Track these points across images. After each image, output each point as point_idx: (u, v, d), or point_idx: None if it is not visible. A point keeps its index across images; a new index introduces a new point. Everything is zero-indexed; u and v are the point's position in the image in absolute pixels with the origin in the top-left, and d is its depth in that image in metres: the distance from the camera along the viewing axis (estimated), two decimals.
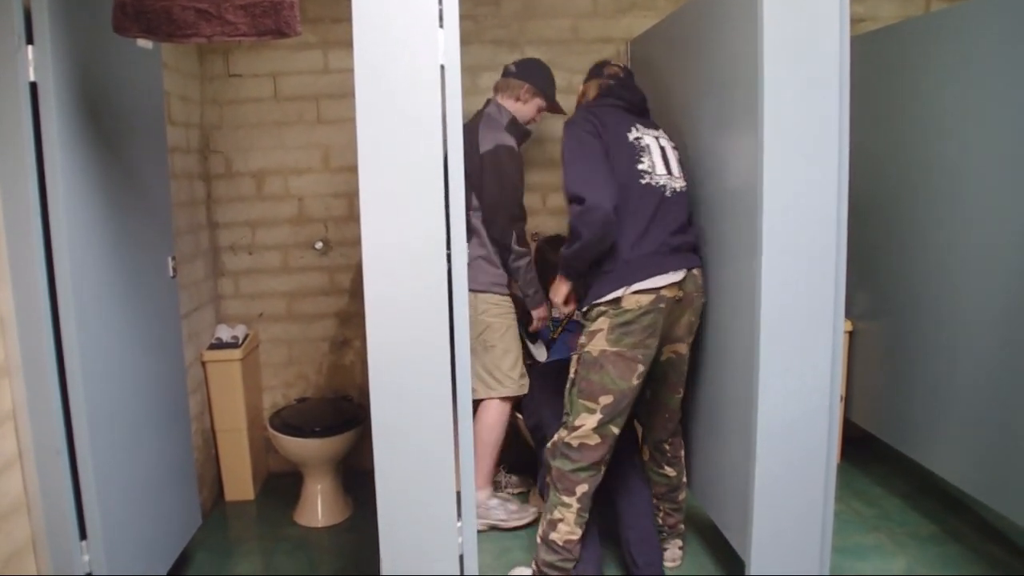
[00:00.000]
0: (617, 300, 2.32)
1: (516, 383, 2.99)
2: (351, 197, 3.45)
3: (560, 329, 3.21)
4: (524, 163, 2.96)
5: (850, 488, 3.27)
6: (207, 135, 3.41)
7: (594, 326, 2.36)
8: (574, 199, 2.31)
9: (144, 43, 2.38)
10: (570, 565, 2.39)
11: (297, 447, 3.06)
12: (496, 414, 2.99)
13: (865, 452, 3.52)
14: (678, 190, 2.46)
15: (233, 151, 3.43)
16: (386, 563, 2.06)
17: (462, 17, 1.93)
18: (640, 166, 2.40)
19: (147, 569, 2.37)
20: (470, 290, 2.84)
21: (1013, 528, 2.85)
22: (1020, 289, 2.41)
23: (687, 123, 2.63)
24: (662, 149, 2.48)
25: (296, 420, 3.13)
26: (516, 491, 3.18)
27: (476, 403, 2.99)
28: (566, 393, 2.45)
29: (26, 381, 2.04)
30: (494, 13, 3.42)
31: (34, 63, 1.92)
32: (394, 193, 1.92)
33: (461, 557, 2.11)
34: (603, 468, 2.41)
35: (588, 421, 2.36)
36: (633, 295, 2.30)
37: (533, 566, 2.46)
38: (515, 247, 2.86)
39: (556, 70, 3.04)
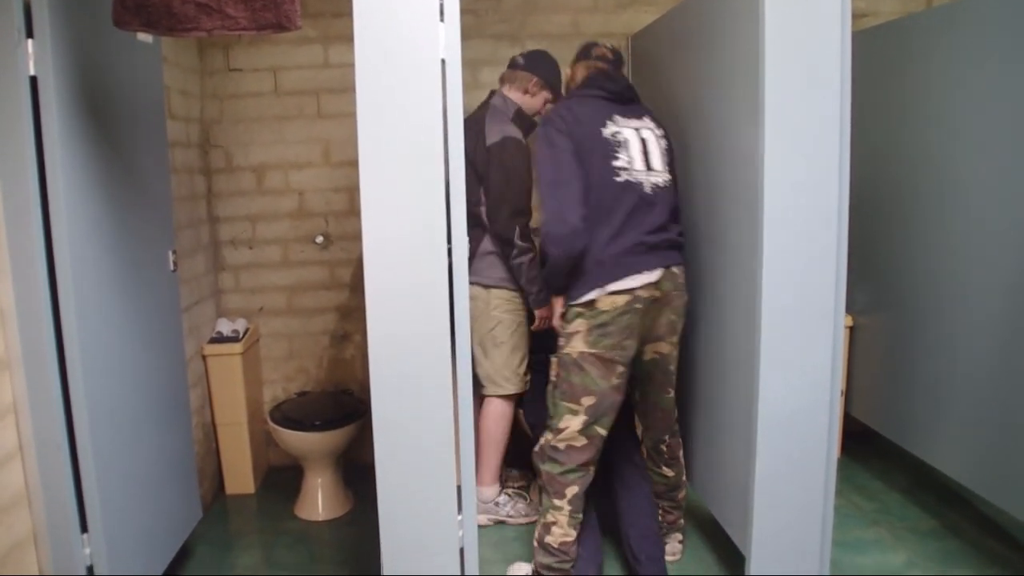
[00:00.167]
0: (592, 302, 2.30)
1: (522, 381, 2.98)
2: (351, 191, 3.45)
3: None
4: (531, 156, 2.92)
5: (850, 482, 3.27)
6: (207, 129, 3.41)
7: (571, 328, 2.35)
8: (544, 210, 2.32)
9: (144, 37, 2.38)
10: (568, 566, 2.39)
11: (297, 441, 3.07)
12: (501, 412, 2.98)
13: (865, 447, 3.52)
14: (660, 185, 2.40)
15: (233, 145, 3.43)
16: (387, 557, 2.06)
17: (463, 11, 1.93)
18: (616, 163, 2.34)
19: (148, 562, 2.38)
20: (482, 285, 2.86)
21: (1013, 523, 2.85)
22: (1021, 285, 2.41)
23: (688, 118, 2.62)
24: (643, 142, 2.41)
25: (296, 414, 3.13)
26: (517, 484, 3.18)
27: (478, 398, 3.00)
28: (548, 396, 2.45)
29: (27, 374, 2.05)
30: (495, 8, 3.42)
31: (34, 57, 1.92)
32: (395, 187, 1.92)
33: (462, 551, 2.11)
34: (592, 468, 2.40)
35: (572, 423, 2.34)
36: (608, 296, 2.28)
37: (532, 568, 2.46)
38: (518, 242, 2.80)
39: (561, 72, 3.02)
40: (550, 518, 2.38)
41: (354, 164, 1.90)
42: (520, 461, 3.20)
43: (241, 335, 3.30)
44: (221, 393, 3.25)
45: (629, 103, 2.50)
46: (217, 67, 3.37)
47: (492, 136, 2.80)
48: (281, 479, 3.47)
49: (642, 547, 2.52)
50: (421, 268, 1.94)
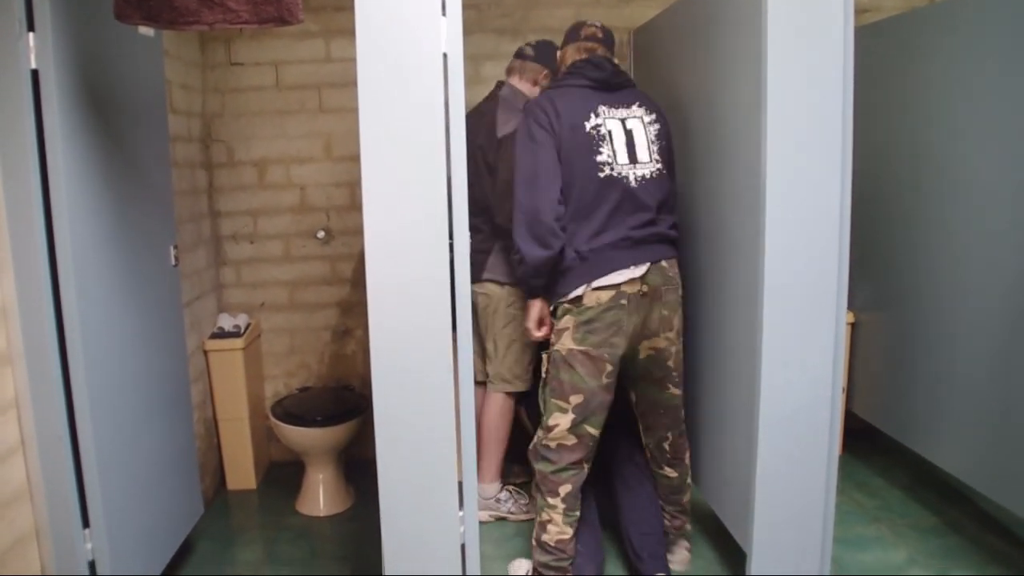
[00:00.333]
0: (579, 298, 2.28)
1: (528, 380, 2.97)
2: (353, 186, 3.44)
3: None
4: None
5: (851, 479, 3.27)
6: (209, 124, 3.40)
7: (560, 324, 2.34)
8: (516, 205, 2.31)
9: (145, 31, 2.37)
10: (565, 564, 2.37)
11: (299, 436, 3.07)
12: (503, 408, 2.98)
13: (866, 444, 3.52)
14: (648, 177, 2.34)
15: (235, 140, 3.43)
16: (388, 552, 2.06)
17: (465, 6, 1.92)
18: (598, 157, 2.30)
19: (149, 558, 2.38)
20: (497, 282, 2.84)
21: (1014, 520, 2.85)
22: (1022, 283, 2.40)
23: (690, 114, 2.62)
24: (628, 133, 2.35)
25: (298, 409, 3.13)
26: (518, 480, 3.18)
27: (481, 394, 3.00)
28: (539, 393, 2.44)
29: (28, 369, 2.05)
30: (497, 2, 3.41)
31: (35, 50, 1.92)
32: (397, 182, 1.91)
33: (463, 547, 2.11)
34: (586, 466, 2.38)
35: (562, 421, 2.33)
36: (593, 292, 2.26)
37: (531, 567, 2.46)
38: None
39: None
40: (545, 516, 2.37)
41: (356, 159, 1.90)
42: (522, 457, 3.20)
43: (242, 330, 3.30)
44: (222, 388, 3.25)
45: (617, 90, 2.42)
46: (219, 61, 3.37)
47: (505, 127, 2.76)
48: (282, 475, 3.47)
49: (644, 544, 2.52)
50: (423, 263, 1.94)
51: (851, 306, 3.00)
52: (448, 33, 1.89)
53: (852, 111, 2.10)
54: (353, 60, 1.86)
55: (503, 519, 3.01)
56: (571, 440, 2.33)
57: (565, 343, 2.32)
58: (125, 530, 2.23)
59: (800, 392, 2.19)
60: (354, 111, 1.88)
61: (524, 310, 2.87)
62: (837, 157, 2.10)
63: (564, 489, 2.35)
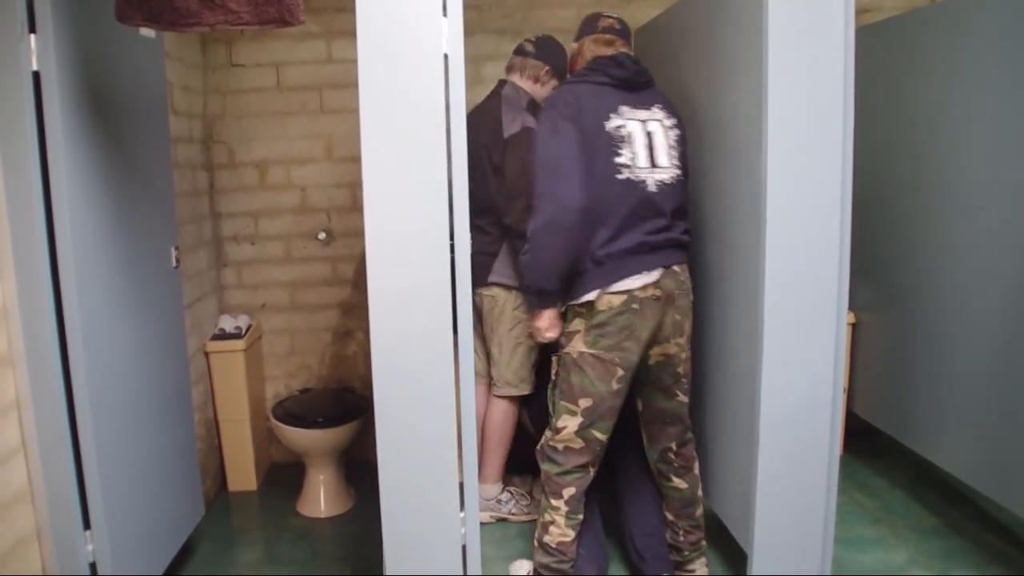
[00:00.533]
0: (591, 302, 2.25)
1: (532, 383, 2.96)
2: (354, 187, 3.44)
3: None
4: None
5: (852, 480, 3.27)
6: (210, 125, 3.40)
7: (571, 327, 2.31)
8: (540, 198, 2.20)
9: (147, 32, 2.38)
10: (566, 566, 2.36)
11: (300, 438, 3.07)
12: (506, 410, 2.97)
13: (867, 444, 3.52)
14: (666, 182, 2.29)
15: (236, 141, 3.43)
16: (389, 554, 2.06)
17: (466, 6, 1.92)
18: (618, 159, 2.23)
19: (150, 559, 2.38)
20: (504, 286, 2.81)
21: (1015, 520, 2.85)
22: (1023, 282, 2.41)
23: (691, 114, 2.61)
24: (648, 136, 2.28)
25: (299, 411, 3.13)
26: (519, 491, 3.16)
27: (484, 396, 3.00)
28: (548, 394, 2.41)
29: (29, 371, 2.05)
30: (498, 3, 3.41)
31: (37, 52, 1.92)
32: (398, 183, 1.91)
33: (464, 548, 2.11)
34: (592, 470, 2.36)
35: (570, 423, 2.30)
36: (606, 296, 2.23)
37: (532, 567, 2.45)
38: None
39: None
40: (547, 518, 2.36)
41: (357, 160, 1.90)
42: (522, 466, 3.19)
43: (243, 331, 3.30)
44: (223, 390, 3.25)
45: (639, 90, 2.35)
46: (220, 62, 3.37)
47: (511, 127, 2.73)
48: (283, 476, 3.47)
49: (647, 546, 2.51)
50: (424, 264, 1.94)
51: (852, 306, 3.00)
52: (449, 34, 1.89)
53: (853, 112, 2.10)
54: (354, 61, 1.86)
55: (504, 520, 3.01)
56: (578, 444, 2.31)
57: (576, 346, 2.29)
58: (126, 531, 2.23)
59: (801, 392, 2.19)
60: (355, 112, 1.88)
61: (531, 312, 2.89)
62: (838, 157, 2.10)
63: (568, 492, 2.33)
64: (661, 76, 2.87)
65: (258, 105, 3.40)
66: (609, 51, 2.39)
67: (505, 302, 2.85)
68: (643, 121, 2.30)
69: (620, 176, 2.24)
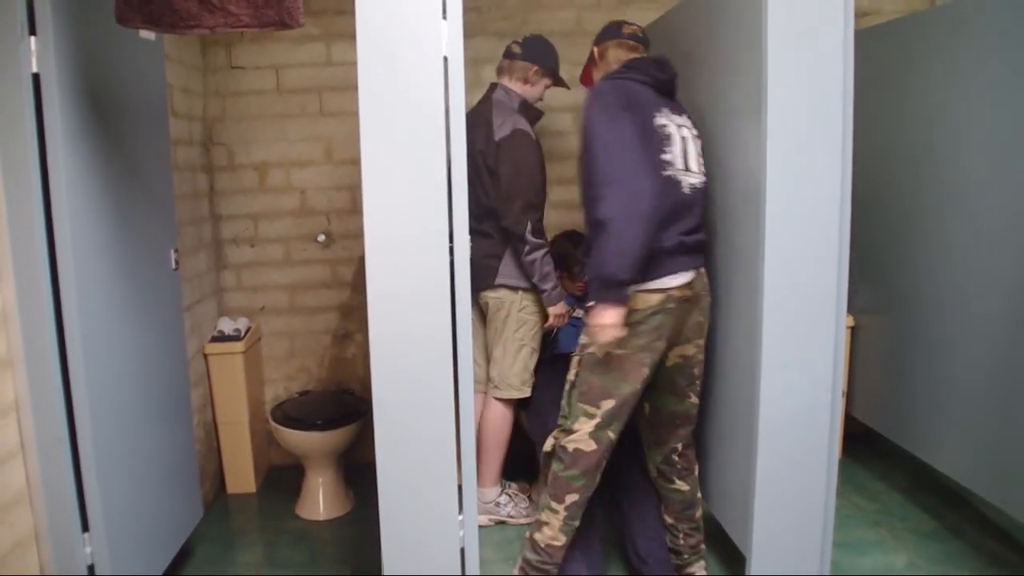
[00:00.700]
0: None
1: (531, 386, 2.95)
2: (353, 190, 3.44)
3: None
4: (542, 149, 2.84)
5: (851, 483, 3.27)
6: (210, 127, 3.41)
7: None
8: (610, 184, 2.03)
9: (147, 34, 2.38)
10: (550, 569, 2.32)
11: (299, 440, 3.07)
12: (504, 412, 2.97)
13: (866, 447, 3.52)
14: (696, 186, 2.27)
15: (236, 143, 3.43)
16: (387, 556, 2.06)
17: (466, 9, 1.93)
18: (664, 156, 2.19)
19: (149, 561, 2.38)
20: (509, 287, 2.81)
21: (1014, 524, 2.84)
22: (1021, 285, 2.40)
23: (691, 116, 2.61)
24: (683, 141, 2.27)
25: (298, 413, 3.13)
26: (517, 494, 3.16)
27: (481, 398, 2.99)
28: (564, 395, 2.34)
29: (28, 373, 2.05)
30: (498, 5, 3.41)
31: (37, 54, 1.92)
32: (397, 185, 1.91)
33: (462, 550, 2.11)
34: (597, 478, 2.31)
35: (586, 426, 2.25)
36: (643, 294, 2.17)
37: (519, 562, 2.41)
38: (530, 238, 2.71)
39: (560, 63, 3.01)
40: (544, 517, 2.33)
41: (356, 162, 1.90)
42: (520, 471, 3.19)
43: (243, 334, 3.29)
44: (222, 392, 3.25)
45: (671, 97, 2.35)
46: (219, 64, 3.37)
47: (502, 130, 2.75)
48: (282, 478, 3.47)
49: (649, 549, 2.50)
50: (423, 267, 1.94)
51: (851, 309, 2.99)
52: (449, 36, 1.90)
53: (852, 114, 2.10)
54: (354, 64, 1.87)
55: (503, 523, 3.01)
56: (590, 445, 2.25)
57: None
58: (124, 533, 2.23)
59: (800, 395, 2.19)
60: (355, 114, 1.88)
61: (537, 314, 2.88)
62: (837, 160, 2.10)
63: (570, 498, 2.29)
64: None
65: (258, 107, 3.40)
66: (635, 55, 2.40)
67: (511, 303, 2.85)
68: (679, 126, 2.29)
69: (665, 173, 2.19)
